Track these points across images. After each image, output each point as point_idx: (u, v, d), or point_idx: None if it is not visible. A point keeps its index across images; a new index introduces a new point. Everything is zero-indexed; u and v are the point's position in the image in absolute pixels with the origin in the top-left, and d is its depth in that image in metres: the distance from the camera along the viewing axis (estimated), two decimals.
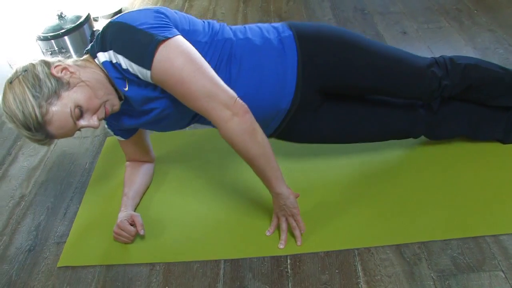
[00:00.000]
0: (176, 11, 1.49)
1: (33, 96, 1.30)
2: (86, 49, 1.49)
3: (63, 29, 2.74)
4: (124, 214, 1.63)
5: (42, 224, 1.76)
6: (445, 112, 1.68)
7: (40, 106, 1.31)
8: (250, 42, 1.51)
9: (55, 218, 1.78)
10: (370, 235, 1.53)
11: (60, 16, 2.80)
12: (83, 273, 1.55)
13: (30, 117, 1.30)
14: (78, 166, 2.04)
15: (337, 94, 1.62)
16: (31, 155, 2.15)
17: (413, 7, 2.95)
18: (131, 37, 1.33)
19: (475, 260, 1.40)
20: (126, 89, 1.43)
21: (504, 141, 1.77)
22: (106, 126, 1.71)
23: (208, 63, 1.40)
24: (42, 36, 2.71)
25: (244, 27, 1.57)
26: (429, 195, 1.63)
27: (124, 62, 1.35)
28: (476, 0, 2.91)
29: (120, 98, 1.50)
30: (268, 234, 1.57)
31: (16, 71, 1.36)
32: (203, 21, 1.53)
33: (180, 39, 1.36)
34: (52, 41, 2.71)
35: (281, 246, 1.52)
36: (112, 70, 1.40)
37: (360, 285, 1.39)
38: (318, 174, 1.79)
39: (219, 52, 1.46)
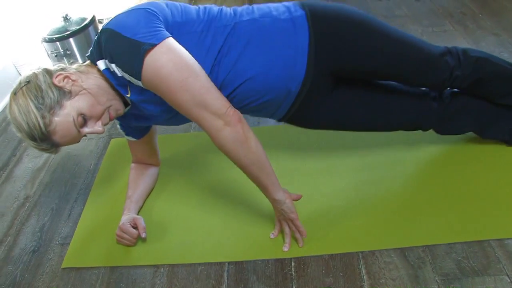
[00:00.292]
0: (167, 2, 1.46)
1: (36, 107, 1.32)
2: (87, 55, 1.49)
3: (68, 31, 2.75)
4: (126, 217, 1.63)
5: (47, 225, 1.77)
6: (456, 107, 1.67)
7: (43, 117, 1.32)
8: (257, 22, 1.46)
9: (59, 219, 1.79)
10: (374, 238, 1.53)
11: (65, 18, 2.81)
12: (87, 274, 1.55)
13: (34, 128, 1.32)
14: (83, 168, 2.04)
15: (349, 79, 1.60)
16: (35, 157, 2.16)
17: (417, 11, 2.95)
18: (120, 46, 1.32)
19: (480, 264, 1.40)
20: (129, 95, 1.43)
21: (509, 143, 1.76)
22: (118, 126, 1.72)
23: (207, 51, 1.39)
24: (48, 38, 2.72)
25: (252, 7, 1.52)
26: (434, 198, 1.63)
27: (118, 71, 1.36)
28: (481, 4, 2.91)
29: (127, 104, 1.50)
30: (272, 237, 1.57)
31: (20, 82, 1.37)
32: (198, 7, 1.49)
33: (168, 43, 1.32)
34: (57, 43, 2.72)
35: (285, 249, 1.52)
36: (112, 77, 1.41)
37: None
38: (323, 177, 1.79)
39: (220, 39, 1.42)
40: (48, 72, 1.38)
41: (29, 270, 1.60)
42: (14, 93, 1.36)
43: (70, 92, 1.37)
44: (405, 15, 2.91)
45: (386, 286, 1.38)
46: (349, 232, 1.56)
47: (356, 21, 1.51)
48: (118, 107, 1.46)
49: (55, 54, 2.74)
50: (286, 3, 1.55)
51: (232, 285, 1.45)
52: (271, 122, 2.13)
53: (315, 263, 1.48)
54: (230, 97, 1.46)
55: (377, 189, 1.70)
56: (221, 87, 1.43)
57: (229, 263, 1.52)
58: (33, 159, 2.15)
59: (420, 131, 1.73)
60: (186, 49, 1.35)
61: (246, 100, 1.49)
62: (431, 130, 1.73)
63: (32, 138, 1.35)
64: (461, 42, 2.54)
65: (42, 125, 1.32)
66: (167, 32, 1.34)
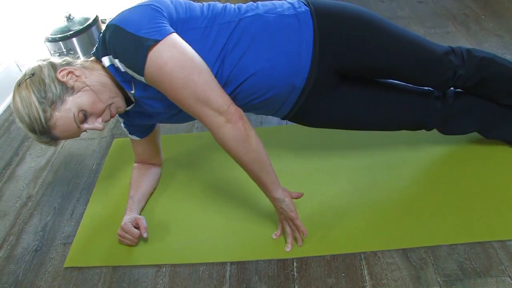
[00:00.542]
0: None
1: (38, 101, 1.33)
2: (92, 52, 1.50)
3: (71, 30, 2.75)
4: (128, 217, 1.63)
5: (49, 224, 1.77)
6: (460, 107, 1.67)
7: (44, 111, 1.33)
8: (262, 18, 1.47)
9: (61, 218, 1.79)
10: (376, 239, 1.53)
11: (69, 18, 2.81)
12: (89, 273, 1.56)
13: (35, 121, 1.34)
14: (85, 167, 2.04)
15: (353, 77, 1.61)
16: (38, 156, 2.16)
17: (420, 12, 2.95)
18: (124, 42, 1.33)
19: (482, 265, 1.40)
20: (133, 91, 1.43)
21: None
22: (122, 125, 1.72)
23: (211, 46, 1.40)
24: (51, 38, 2.73)
25: (257, 3, 1.53)
26: (436, 199, 1.63)
27: (121, 66, 1.37)
28: (484, 6, 2.91)
29: (130, 102, 1.51)
30: (274, 237, 1.57)
31: (25, 74, 1.39)
32: (203, 4, 1.49)
33: (172, 38, 1.33)
34: (60, 42, 2.72)
35: (287, 249, 1.52)
36: (116, 74, 1.42)
37: None
38: (325, 177, 1.79)
39: (224, 35, 1.43)
40: (53, 66, 1.39)
41: (31, 269, 1.60)
42: (18, 85, 1.37)
43: (72, 87, 1.38)
44: (408, 16, 2.91)
45: (388, 287, 1.38)
46: (351, 232, 1.56)
47: (360, 18, 1.52)
48: (119, 104, 1.47)
49: (58, 54, 2.74)
50: (290, 0, 1.55)
51: (234, 285, 1.45)
52: (274, 122, 2.13)
53: (317, 263, 1.48)
54: (235, 92, 1.47)
55: (380, 190, 1.70)
56: (226, 82, 1.44)
57: (231, 263, 1.52)
58: (36, 158, 2.15)
59: (423, 131, 1.73)
60: (190, 45, 1.35)
61: (251, 96, 1.49)
62: (434, 130, 1.73)
63: (33, 130, 1.37)
64: (464, 43, 2.54)
65: (43, 119, 1.34)
66: (171, 28, 1.35)
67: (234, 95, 1.48)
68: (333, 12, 1.50)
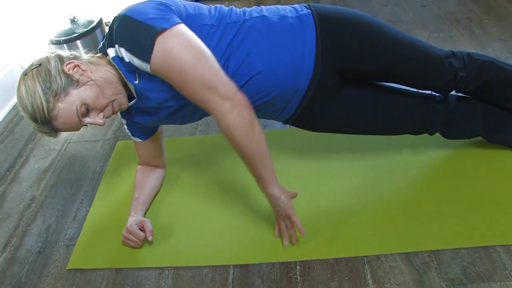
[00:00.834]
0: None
1: (43, 91, 1.35)
2: (98, 47, 1.52)
3: (75, 33, 2.76)
4: (133, 219, 1.64)
5: (52, 226, 1.77)
6: (462, 111, 1.67)
7: (47, 101, 1.35)
8: (266, 19, 1.49)
9: (65, 220, 1.79)
10: (379, 242, 1.52)
11: (73, 21, 2.82)
12: (92, 276, 1.56)
13: (37, 110, 1.36)
14: (89, 170, 2.05)
15: (356, 80, 1.62)
16: (42, 158, 2.17)
17: (423, 16, 2.95)
18: (131, 29, 1.34)
19: (486, 269, 1.40)
20: (137, 82, 1.44)
21: None
22: (125, 127, 1.73)
23: (217, 44, 1.41)
24: (55, 40, 2.74)
25: (261, 7, 1.56)
26: (439, 203, 1.63)
27: (126, 56, 1.37)
28: (487, 10, 2.91)
29: (132, 97, 1.51)
30: (276, 235, 1.57)
31: (32, 64, 1.41)
32: (210, 6, 1.53)
33: (180, 28, 1.34)
34: (65, 45, 2.73)
35: (285, 244, 1.53)
36: (121, 64, 1.42)
37: None
38: (328, 180, 1.79)
39: (230, 33, 1.45)
40: (60, 59, 1.41)
41: (34, 271, 1.60)
42: (25, 74, 1.39)
43: (77, 81, 1.39)
44: (411, 20, 2.91)
45: None
46: (354, 236, 1.56)
47: (361, 22, 1.54)
48: (122, 101, 1.48)
49: None
50: (292, 5, 1.59)
51: None
52: (277, 126, 2.13)
53: (320, 267, 1.48)
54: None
55: (383, 193, 1.70)
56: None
57: (234, 266, 1.52)
58: (39, 160, 2.15)
59: (426, 135, 1.73)
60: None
61: (255, 96, 1.50)
62: (437, 135, 1.73)
63: (34, 119, 1.38)
64: (467, 47, 2.54)
65: (45, 109, 1.35)
66: (179, 19, 1.36)
67: None
68: (334, 16, 1.53)
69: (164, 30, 1.31)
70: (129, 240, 1.59)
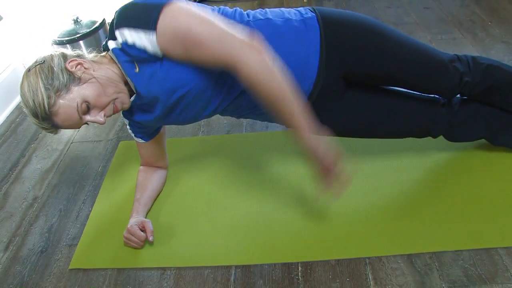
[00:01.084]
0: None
1: (44, 86, 1.36)
2: (102, 44, 1.53)
3: (78, 33, 2.77)
4: (134, 219, 1.64)
5: (55, 226, 1.78)
6: (466, 114, 1.67)
7: (49, 97, 1.36)
8: (270, 22, 1.49)
9: (67, 220, 1.80)
10: (381, 244, 1.52)
11: (76, 21, 2.83)
12: (94, 275, 1.56)
13: (38, 106, 1.36)
14: (91, 170, 2.05)
15: (360, 84, 1.61)
16: (44, 158, 2.17)
17: (426, 18, 2.95)
18: (136, 9, 1.36)
19: (487, 272, 1.39)
20: (137, 70, 1.44)
21: None
22: (128, 127, 1.73)
23: None
24: (58, 40, 2.74)
25: (265, 10, 1.56)
26: (441, 205, 1.63)
27: (130, 35, 1.36)
28: (490, 12, 2.91)
29: (132, 92, 1.51)
30: (318, 197, 1.51)
31: (36, 61, 1.42)
32: (214, 7, 1.53)
33: (185, 1, 1.37)
34: (68, 45, 2.73)
35: (320, 196, 1.47)
36: (120, 54, 1.43)
37: None
38: None
39: None
40: (63, 56, 1.43)
41: (36, 271, 1.61)
42: (28, 70, 1.41)
43: (79, 78, 1.40)
44: (414, 22, 2.91)
45: None
46: (356, 237, 1.56)
47: (365, 26, 1.54)
48: (124, 100, 1.48)
49: None
50: (297, 8, 1.59)
51: None
52: (280, 127, 2.13)
53: (322, 268, 1.48)
54: (243, 93, 1.48)
55: (385, 195, 1.70)
56: (233, 83, 1.45)
57: (236, 266, 1.53)
58: (42, 160, 2.16)
59: (429, 138, 1.73)
60: None
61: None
62: (441, 137, 1.72)
63: (35, 115, 1.39)
64: (470, 50, 2.54)
65: (46, 104, 1.36)
66: None
67: (242, 96, 1.49)
68: (339, 19, 1.52)
69: (170, 3, 1.33)
70: (130, 241, 1.59)
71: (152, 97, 1.50)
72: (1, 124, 2.49)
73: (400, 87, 1.65)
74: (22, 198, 1.94)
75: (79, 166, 2.09)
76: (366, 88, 1.63)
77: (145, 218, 1.69)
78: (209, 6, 1.52)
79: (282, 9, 1.58)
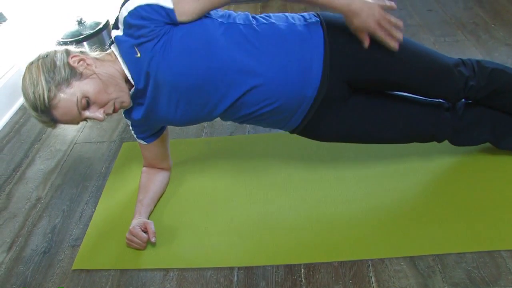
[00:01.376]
0: None
1: (46, 80, 1.36)
2: (108, 42, 1.54)
3: (82, 35, 2.78)
4: (137, 221, 1.64)
5: (58, 226, 1.78)
6: (470, 118, 1.66)
7: (49, 90, 1.36)
8: (274, 26, 1.49)
9: (70, 221, 1.80)
10: (384, 246, 1.52)
11: (80, 22, 2.84)
12: (97, 276, 1.56)
13: (38, 99, 1.37)
14: (94, 171, 2.05)
15: (364, 90, 1.61)
16: (48, 158, 2.18)
17: (430, 20, 2.95)
18: None
19: (490, 274, 1.39)
20: (138, 55, 1.43)
21: None
22: (130, 128, 1.73)
23: (225, 40, 1.43)
24: (62, 42, 2.75)
25: (269, 14, 1.56)
26: (444, 207, 1.62)
27: (134, 11, 1.37)
28: (494, 15, 2.91)
29: (131, 85, 1.51)
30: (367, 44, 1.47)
31: (39, 55, 1.43)
32: (217, 10, 1.53)
33: None
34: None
35: (365, 44, 1.45)
36: (122, 41, 1.43)
37: None
38: (333, 184, 1.79)
39: (237, 34, 1.45)
40: (67, 52, 1.43)
41: (39, 271, 1.61)
42: (31, 63, 1.41)
43: (81, 73, 1.41)
44: (417, 25, 2.91)
45: None
46: (359, 239, 1.56)
47: None
48: (125, 99, 1.48)
49: None
50: (301, 13, 1.59)
51: None
52: None
53: (325, 269, 1.48)
54: (246, 96, 1.49)
55: (388, 197, 1.70)
56: (232, 82, 1.46)
57: (238, 268, 1.53)
58: (45, 161, 2.16)
59: (434, 142, 1.72)
60: (204, 31, 1.42)
61: (260, 104, 1.50)
62: (445, 141, 1.71)
63: (35, 108, 1.39)
64: (474, 52, 2.53)
65: (46, 97, 1.36)
66: None
67: (244, 100, 1.49)
68: (342, 24, 1.51)
69: None
70: (132, 242, 1.60)
71: (145, 84, 1.50)
72: (5, 125, 2.49)
73: (404, 92, 1.64)
74: (26, 199, 1.95)
75: (82, 167, 2.09)
76: (370, 93, 1.63)
77: (148, 219, 1.69)
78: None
79: (286, 14, 1.57)
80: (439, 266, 1.44)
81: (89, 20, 2.89)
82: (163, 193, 1.85)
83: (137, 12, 1.37)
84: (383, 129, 1.65)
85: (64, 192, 1.95)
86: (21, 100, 2.64)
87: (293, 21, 1.52)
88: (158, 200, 1.81)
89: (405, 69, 1.53)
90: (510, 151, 1.76)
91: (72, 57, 1.42)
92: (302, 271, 1.49)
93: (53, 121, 1.44)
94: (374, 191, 1.73)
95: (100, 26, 2.85)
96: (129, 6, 1.38)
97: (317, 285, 1.43)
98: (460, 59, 1.62)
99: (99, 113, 1.43)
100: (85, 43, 2.77)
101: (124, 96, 1.47)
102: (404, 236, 1.55)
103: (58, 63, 1.39)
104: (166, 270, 1.55)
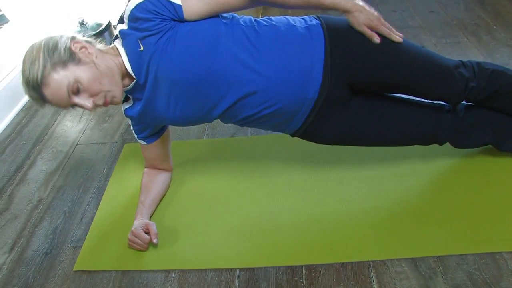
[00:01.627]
0: None
1: (44, 58, 1.39)
2: (113, 38, 1.55)
3: (84, 36, 2.77)
4: (139, 222, 1.64)
5: (59, 228, 1.78)
6: (471, 120, 1.67)
7: (44, 67, 1.38)
8: (275, 28, 1.50)
9: (72, 222, 1.80)
10: (385, 247, 1.52)
11: (82, 24, 2.84)
12: (98, 277, 1.56)
13: (32, 74, 1.39)
14: (96, 172, 2.06)
15: (365, 92, 1.61)
16: (49, 160, 2.18)
17: (431, 22, 2.95)
18: None
19: (492, 276, 1.39)
20: (141, 48, 1.44)
21: None
22: (131, 128, 1.73)
23: (227, 40, 1.44)
24: None
25: (270, 17, 1.57)
26: (446, 209, 1.62)
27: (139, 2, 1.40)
28: (495, 16, 2.91)
29: (131, 80, 1.52)
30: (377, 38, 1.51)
31: (45, 37, 1.46)
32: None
33: None
34: None
35: (377, 40, 1.49)
36: (126, 35, 1.45)
37: None
38: (335, 185, 1.79)
39: (240, 35, 1.46)
40: (72, 38, 1.46)
41: (41, 272, 1.61)
42: (35, 42, 1.44)
43: (79, 59, 1.42)
44: (419, 26, 2.91)
45: None
46: (360, 241, 1.56)
47: None
48: (116, 94, 1.48)
49: None
50: (301, 16, 1.59)
51: None
52: None
53: (326, 271, 1.48)
54: (247, 98, 1.49)
55: (389, 199, 1.70)
56: (232, 82, 1.47)
57: (240, 269, 1.53)
58: (47, 162, 2.17)
59: (435, 145, 1.72)
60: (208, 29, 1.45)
61: (261, 105, 1.50)
62: (447, 144, 1.71)
63: (27, 83, 1.42)
64: (475, 53, 2.53)
65: (39, 74, 1.38)
66: None
67: (244, 101, 1.49)
68: (343, 26, 1.52)
69: None
70: (134, 243, 1.60)
71: (145, 78, 1.51)
72: (7, 126, 2.49)
73: (405, 94, 1.64)
74: (27, 200, 1.95)
75: (84, 168, 2.10)
76: (371, 95, 1.63)
77: (150, 220, 1.69)
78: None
79: (287, 16, 1.58)
80: (440, 268, 1.44)
81: (91, 22, 2.89)
82: (165, 194, 1.85)
83: (145, 5, 1.39)
84: (384, 132, 1.65)
85: (66, 193, 1.96)
86: (23, 102, 2.64)
87: (294, 24, 1.53)
88: (160, 201, 1.82)
89: (405, 70, 1.53)
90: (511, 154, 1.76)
91: (75, 43, 1.44)
92: (304, 272, 1.49)
93: (42, 99, 1.45)
94: (375, 192, 1.73)
95: (102, 27, 2.85)
96: (131, 2, 1.41)
97: (318, 287, 1.43)
98: (460, 61, 1.62)
99: (88, 102, 1.44)
100: None
101: (116, 91, 1.48)
102: (406, 237, 1.55)
103: (60, 45, 1.41)
104: (168, 271, 1.55)
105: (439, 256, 1.47)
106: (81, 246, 1.68)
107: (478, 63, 1.62)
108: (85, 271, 1.59)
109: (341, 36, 1.51)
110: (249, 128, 2.18)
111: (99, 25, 2.86)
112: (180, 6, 1.40)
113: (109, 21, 2.92)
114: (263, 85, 1.46)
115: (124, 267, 1.58)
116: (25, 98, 2.66)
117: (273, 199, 1.75)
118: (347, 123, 1.62)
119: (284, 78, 1.47)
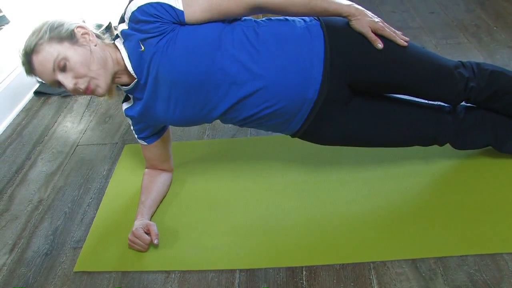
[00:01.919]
0: None
1: (44, 31, 1.44)
2: (114, 36, 1.57)
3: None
4: (139, 222, 1.64)
5: (60, 228, 1.78)
6: (471, 121, 1.67)
7: (41, 38, 1.43)
8: (275, 29, 1.51)
9: (72, 223, 1.80)
10: (385, 248, 1.52)
11: None
12: (98, 278, 1.56)
13: (29, 41, 1.44)
14: (96, 173, 2.06)
15: (365, 93, 1.61)
16: (49, 160, 2.18)
17: (432, 23, 2.95)
18: None
19: (493, 277, 1.39)
20: (143, 49, 1.45)
21: None
22: (132, 128, 1.74)
23: (227, 41, 1.45)
24: None
25: (270, 18, 1.57)
26: (446, 210, 1.62)
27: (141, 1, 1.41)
28: (496, 17, 2.91)
29: (132, 79, 1.53)
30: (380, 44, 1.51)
31: (57, 19, 1.50)
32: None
33: None
34: None
35: (380, 46, 1.49)
36: (128, 35, 1.46)
37: None
38: (335, 186, 1.79)
39: (240, 36, 1.47)
40: (79, 23, 1.50)
41: (41, 273, 1.61)
42: (47, 19, 1.49)
43: (77, 41, 1.46)
44: (419, 27, 2.92)
45: None
46: (360, 242, 1.55)
47: None
48: (101, 84, 1.48)
49: None
50: (302, 17, 1.59)
51: None
52: None
53: (326, 272, 1.48)
54: (247, 98, 1.49)
55: (389, 200, 1.70)
56: (232, 82, 1.47)
57: (240, 270, 1.53)
58: (47, 163, 2.17)
59: (436, 146, 1.72)
60: (208, 30, 1.45)
61: (260, 106, 1.50)
62: (447, 145, 1.71)
63: (23, 49, 1.46)
64: (476, 54, 2.53)
65: (34, 42, 1.43)
66: None
67: (244, 102, 1.49)
68: (343, 27, 1.53)
69: None
70: (135, 244, 1.60)
71: (146, 79, 1.51)
72: (7, 127, 2.50)
73: (405, 95, 1.64)
74: (28, 201, 1.95)
75: (84, 169, 2.10)
76: (371, 96, 1.63)
77: (150, 221, 1.69)
78: None
79: (286, 17, 1.58)
80: (441, 269, 1.44)
81: (91, 22, 2.89)
82: (165, 194, 1.85)
83: (146, 8, 1.40)
84: (384, 132, 1.65)
85: (66, 194, 1.96)
86: (23, 103, 2.64)
87: (294, 24, 1.53)
88: (160, 201, 1.82)
89: (405, 70, 1.53)
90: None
91: (79, 27, 1.47)
92: (304, 273, 1.49)
93: (30, 66, 1.47)
94: (375, 193, 1.73)
95: (103, 28, 2.85)
96: (139, 2, 1.41)
97: None
98: (460, 61, 1.62)
99: (69, 82, 1.45)
100: None
101: (102, 81, 1.48)
102: (406, 238, 1.54)
103: (64, 25, 1.46)
104: (168, 272, 1.55)
105: (439, 257, 1.47)
106: (81, 247, 1.68)
107: (478, 64, 1.62)
108: (85, 272, 1.59)
109: (340, 36, 1.51)
110: (249, 129, 2.18)
111: (100, 26, 2.86)
112: (182, 12, 1.41)
113: (110, 22, 2.92)
114: (263, 86, 1.47)
115: (124, 268, 1.58)
116: (26, 99, 2.66)
117: (273, 200, 1.75)
118: (347, 124, 1.62)
119: (284, 78, 1.47)
